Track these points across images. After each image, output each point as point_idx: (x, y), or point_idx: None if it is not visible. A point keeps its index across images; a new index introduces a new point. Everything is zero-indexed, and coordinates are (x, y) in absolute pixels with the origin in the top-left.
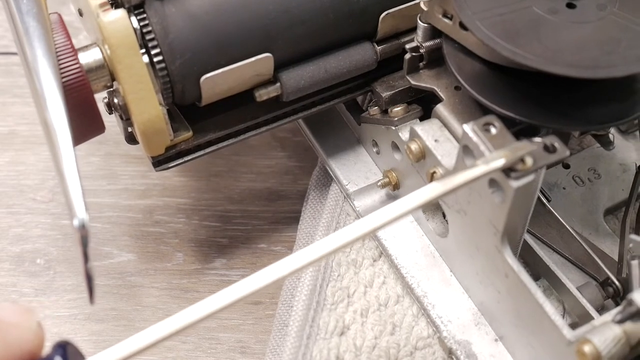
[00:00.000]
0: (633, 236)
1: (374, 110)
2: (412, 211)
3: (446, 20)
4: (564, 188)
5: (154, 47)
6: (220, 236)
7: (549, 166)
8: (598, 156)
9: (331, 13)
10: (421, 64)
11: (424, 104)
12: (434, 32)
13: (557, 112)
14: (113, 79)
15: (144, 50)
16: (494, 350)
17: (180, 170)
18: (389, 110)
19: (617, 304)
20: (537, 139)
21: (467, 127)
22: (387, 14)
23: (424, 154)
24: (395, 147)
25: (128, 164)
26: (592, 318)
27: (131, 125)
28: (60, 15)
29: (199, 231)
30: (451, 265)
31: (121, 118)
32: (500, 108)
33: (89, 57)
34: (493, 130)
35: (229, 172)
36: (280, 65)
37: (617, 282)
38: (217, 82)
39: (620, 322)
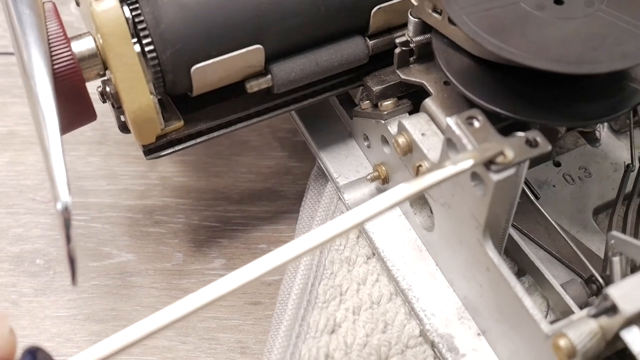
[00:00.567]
0: (614, 232)
1: (365, 104)
2: (386, 211)
3: (436, 15)
4: (554, 186)
5: (146, 36)
6: (220, 236)
7: (533, 161)
8: (590, 155)
9: (323, 6)
10: (411, 58)
11: (415, 99)
12: (424, 27)
13: (543, 108)
14: (106, 67)
15: (135, 40)
16: (476, 344)
17: (180, 170)
18: (379, 104)
19: None
20: (520, 134)
21: (451, 121)
22: (378, 9)
23: (411, 148)
24: (385, 140)
25: (128, 164)
26: None
27: (123, 113)
28: (54, 4)
29: (198, 231)
30: (437, 259)
31: (113, 106)
32: (485, 103)
33: (82, 46)
34: (476, 124)
35: (229, 172)
36: (272, 57)
37: (600, 279)
38: (208, 72)
39: (596, 316)
